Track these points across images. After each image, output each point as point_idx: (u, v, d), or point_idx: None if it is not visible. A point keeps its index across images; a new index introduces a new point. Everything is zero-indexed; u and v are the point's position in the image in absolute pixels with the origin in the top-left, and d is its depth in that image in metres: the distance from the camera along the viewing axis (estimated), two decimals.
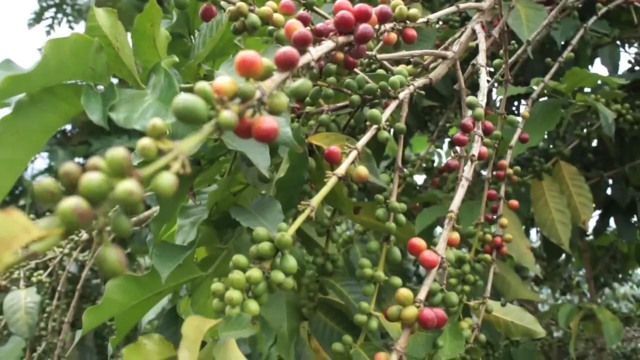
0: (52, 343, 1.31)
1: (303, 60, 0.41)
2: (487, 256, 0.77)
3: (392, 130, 0.67)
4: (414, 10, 0.60)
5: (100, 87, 0.55)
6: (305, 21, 0.55)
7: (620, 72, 1.45)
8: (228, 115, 0.30)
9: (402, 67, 0.69)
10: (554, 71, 1.02)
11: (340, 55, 0.58)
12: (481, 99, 0.65)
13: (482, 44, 0.73)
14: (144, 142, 0.28)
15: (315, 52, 0.42)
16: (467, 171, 0.61)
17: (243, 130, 0.33)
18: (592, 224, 1.60)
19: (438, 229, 1.42)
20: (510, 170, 0.86)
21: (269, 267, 0.46)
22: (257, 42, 0.80)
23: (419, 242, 0.54)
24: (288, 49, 0.36)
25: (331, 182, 0.51)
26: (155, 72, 0.54)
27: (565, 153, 1.26)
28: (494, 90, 1.25)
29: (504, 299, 0.94)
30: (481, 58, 0.70)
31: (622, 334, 1.40)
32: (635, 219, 1.50)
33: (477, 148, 0.63)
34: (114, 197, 0.25)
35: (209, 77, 0.64)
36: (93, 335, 1.73)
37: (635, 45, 1.46)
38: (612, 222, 1.59)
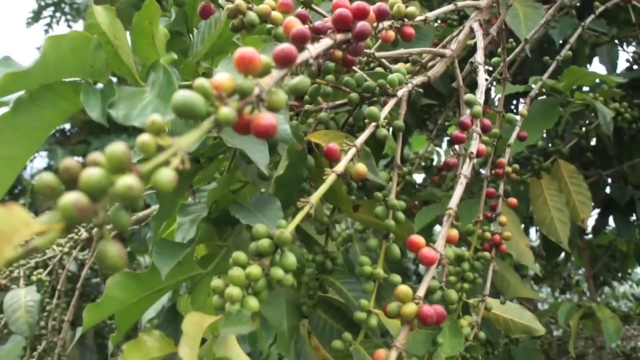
0: (52, 342, 1.31)
1: (301, 57, 0.41)
2: (486, 254, 0.78)
3: (390, 129, 0.67)
4: (411, 8, 0.60)
5: (100, 85, 0.55)
6: (303, 19, 0.56)
7: (618, 71, 1.46)
8: (227, 111, 0.30)
9: (400, 65, 0.69)
10: (552, 70, 1.02)
11: (338, 53, 0.58)
12: (479, 96, 0.66)
13: (480, 42, 0.73)
14: (144, 137, 0.28)
15: (313, 49, 0.43)
16: (466, 168, 0.61)
17: (242, 127, 0.33)
18: (591, 222, 1.60)
19: (437, 228, 1.43)
20: (509, 169, 0.86)
21: (268, 264, 0.46)
22: (256, 41, 0.80)
23: (418, 239, 0.54)
24: (286, 46, 0.37)
25: (330, 179, 0.52)
26: (154, 70, 0.54)
27: (564, 152, 1.26)
28: (493, 89, 1.26)
29: (504, 297, 0.94)
30: (479, 56, 0.71)
31: (622, 333, 1.40)
32: (634, 217, 1.51)
33: (475, 145, 0.63)
34: (114, 192, 0.25)
35: (207, 74, 0.64)
36: (93, 335, 1.73)
37: (634, 44, 1.46)
38: (611, 221, 1.59)
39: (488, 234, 0.80)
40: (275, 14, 0.60)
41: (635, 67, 1.46)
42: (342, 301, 0.71)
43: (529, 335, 1.68)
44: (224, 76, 0.32)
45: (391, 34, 0.59)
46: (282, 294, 0.71)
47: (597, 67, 2.87)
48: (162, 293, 0.60)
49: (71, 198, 0.24)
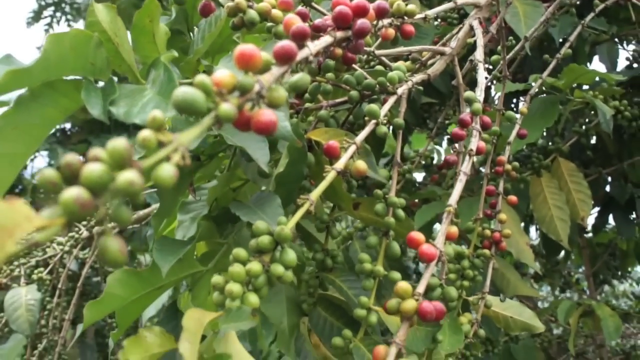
0: (52, 340, 1.32)
1: (301, 54, 0.41)
2: (486, 251, 0.78)
3: (390, 127, 0.67)
4: (411, 6, 0.60)
5: (101, 83, 0.55)
6: (303, 17, 0.56)
7: (618, 69, 1.46)
8: (227, 107, 0.31)
9: (400, 64, 0.69)
10: (552, 68, 1.02)
11: (338, 51, 0.58)
12: (479, 94, 0.66)
13: (480, 40, 0.73)
14: (145, 133, 0.28)
15: (313, 46, 0.43)
16: (465, 166, 0.61)
17: (242, 123, 0.33)
18: (591, 221, 1.60)
19: (437, 226, 1.43)
20: (508, 166, 0.86)
21: (268, 261, 0.46)
22: (257, 39, 0.80)
23: (418, 235, 0.54)
24: (286, 43, 0.37)
25: (330, 176, 0.52)
26: (154, 67, 0.54)
27: (564, 150, 1.26)
28: (492, 87, 1.26)
29: (503, 295, 0.94)
30: (479, 54, 0.71)
31: (621, 330, 1.41)
32: (634, 215, 1.51)
33: (475, 143, 0.63)
34: (115, 187, 0.25)
35: (208, 72, 0.64)
36: (94, 333, 1.73)
37: (634, 42, 1.46)
38: (611, 219, 1.59)
39: (488, 232, 0.80)
40: (276, 12, 0.60)
41: (635, 65, 1.46)
42: (343, 299, 0.71)
43: (529, 333, 1.68)
44: (224, 73, 0.32)
45: (391, 31, 0.59)
46: (282, 292, 0.71)
47: (597, 65, 2.87)
48: (162, 290, 0.60)
49: (72, 193, 0.24)
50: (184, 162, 0.28)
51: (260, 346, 1.35)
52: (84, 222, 1.41)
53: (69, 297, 1.39)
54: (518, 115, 0.91)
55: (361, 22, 0.50)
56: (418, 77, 0.68)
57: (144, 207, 1.48)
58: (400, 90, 0.65)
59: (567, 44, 1.05)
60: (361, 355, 0.59)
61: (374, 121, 0.60)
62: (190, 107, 0.29)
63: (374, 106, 0.60)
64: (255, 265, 0.45)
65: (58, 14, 3.35)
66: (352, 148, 0.56)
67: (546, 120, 1.12)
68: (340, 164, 0.53)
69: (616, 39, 1.44)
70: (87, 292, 1.54)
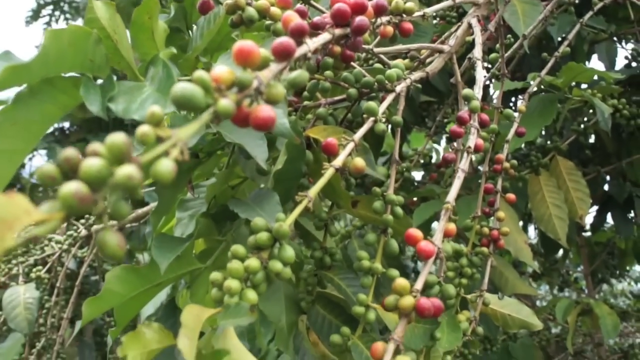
0: (51, 339, 1.32)
1: (300, 51, 0.41)
2: (485, 249, 0.78)
3: (389, 126, 0.67)
4: (410, 4, 0.60)
5: (99, 81, 0.55)
6: (302, 15, 0.56)
7: (617, 68, 1.46)
8: (226, 103, 0.31)
9: (398, 61, 0.70)
10: (551, 66, 1.02)
11: (337, 48, 0.58)
12: (477, 91, 0.66)
13: (478, 38, 0.73)
14: (143, 129, 0.28)
15: (312, 43, 0.43)
16: (464, 163, 0.61)
17: (241, 119, 0.34)
18: (589, 219, 1.61)
19: (435, 224, 1.43)
20: (507, 164, 0.86)
21: (267, 257, 0.46)
22: (256, 38, 0.81)
23: (416, 232, 0.54)
24: (285, 39, 0.37)
25: (328, 173, 0.52)
26: (153, 65, 0.55)
27: (563, 148, 1.26)
28: (491, 86, 1.26)
29: (502, 294, 0.94)
30: (477, 51, 0.71)
31: (619, 329, 1.41)
32: (632, 214, 1.51)
33: (473, 140, 0.63)
34: (114, 182, 0.25)
35: (206, 70, 0.64)
36: (92, 333, 1.74)
37: (632, 41, 1.47)
38: (609, 218, 1.60)
39: (486, 230, 0.80)
40: (274, 10, 0.60)
41: (633, 64, 1.46)
42: (341, 297, 0.71)
43: (528, 332, 1.69)
44: (223, 69, 0.32)
45: (389, 29, 0.59)
46: (280, 290, 0.71)
47: (595, 64, 2.87)
48: (161, 287, 0.60)
49: (71, 187, 0.24)
50: (183, 157, 0.28)
51: (259, 344, 1.35)
52: (82, 221, 1.42)
53: (68, 295, 1.39)
54: (516, 114, 0.91)
55: (359, 19, 0.50)
56: (416, 75, 0.69)
57: (143, 205, 1.48)
58: (398, 88, 0.65)
59: (566, 43, 1.05)
60: (359, 352, 0.59)
61: (372, 118, 0.60)
62: (189, 102, 0.29)
63: (372, 104, 0.60)
64: (253, 262, 0.45)
65: (57, 13, 3.35)
66: (351, 145, 0.56)
67: (545, 119, 1.12)
68: (338, 161, 0.53)
69: (615, 38, 1.44)
70: (86, 290, 1.54)
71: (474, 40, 0.76)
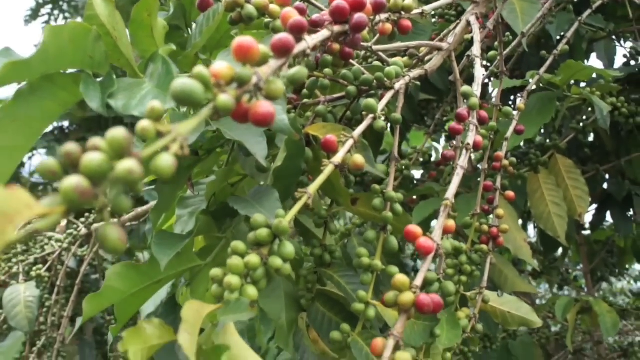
0: (51, 337, 1.32)
1: (299, 47, 0.41)
2: (484, 246, 0.78)
3: (388, 124, 0.68)
4: (408, 2, 0.60)
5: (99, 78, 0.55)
6: (301, 12, 0.56)
7: (615, 66, 1.46)
8: (225, 98, 0.31)
9: (397, 59, 0.70)
10: (549, 64, 1.02)
11: (336, 46, 0.58)
12: (476, 89, 0.66)
13: (477, 35, 0.74)
14: (143, 123, 0.28)
15: (311, 40, 0.43)
16: (463, 160, 0.62)
17: (240, 115, 0.34)
18: (588, 218, 1.61)
19: (435, 222, 1.42)
20: (506, 162, 0.86)
21: (267, 253, 0.46)
22: (255, 36, 0.81)
23: (415, 228, 0.54)
24: (284, 36, 0.37)
25: (328, 169, 0.52)
26: (152, 61, 0.55)
27: (562, 146, 1.26)
28: (490, 84, 1.26)
29: (501, 291, 0.94)
30: (476, 49, 0.71)
31: (619, 327, 1.41)
32: (631, 213, 1.51)
33: (472, 137, 0.63)
34: (115, 176, 0.25)
35: (206, 67, 0.64)
36: (92, 332, 1.74)
37: (631, 39, 1.47)
38: (608, 217, 1.60)
39: (485, 227, 0.80)
40: (273, 7, 0.60)
41: (632, 62, 1.47)
42: (341, 294, 0.71)
43: (527, 330, 1.69)
44: (222, 64, 0.32)
45: (388, 26, 0.59)
46: (280, 288, 0.72)
47: (594, 62, 2.87)
48: (161, 284, 0.60)
49: (72, 181, 0.24)
50: (183, 152, 0.28)
51: (259, 343, 1.36)
52: (83, 220, 1.42)
53: (68, 294, 1.39)
54: (515, 112, 0.91)
55: (358, 16, 0.51)
56: (415, 72, 0.69)
57: (142, 204, 1.48)
58: (397, 85, 0.65)
59: (564, 41, 1.06)
60: (359, 349, 0.59)
61: (371, 116, 0.60)
62: (189, 97, 0.29)
63: (371, 100, 0.60)
64: (253, 258, 0.45)
65: (56, 12, 3.35)
66: (350, 142, 0.56)
67: (543, 117, 1.12)
68: (337, 158, 0.53)
69: (613, 36, 1.45)
70: (86, 289, 1.54)
71: (472, 38, 0.76)
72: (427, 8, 0.67)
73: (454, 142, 0.72)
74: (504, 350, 1.53)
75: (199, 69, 0.30)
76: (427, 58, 0.77)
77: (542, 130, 1.53)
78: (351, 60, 0.65)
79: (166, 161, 0.27)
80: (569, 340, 1.42)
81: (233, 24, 0.60)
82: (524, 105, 0.93)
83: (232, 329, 0.43)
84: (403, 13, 0.60)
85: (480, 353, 1.41)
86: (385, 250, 0.63)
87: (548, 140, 1.31)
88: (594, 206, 1.59)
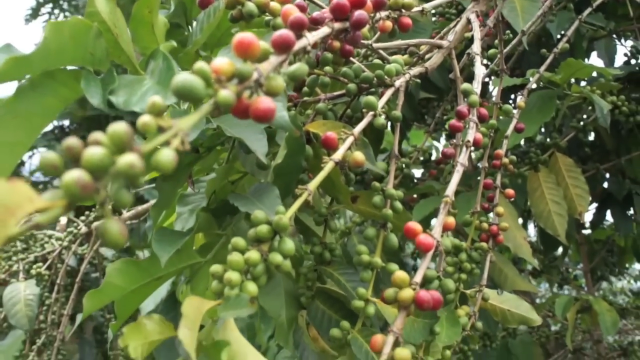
0: (51, 336, 1.32)
1: (299, 44, 0.41)
2: (484, 244, 0.78)
3: (389, 122, 0.68)
4: None
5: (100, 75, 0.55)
6: (301, 9, 0.56)
7: (616, 65, 1.46)
8: (226, 94, 0.31)
9: (398, 57, 0.70)
10: (549, 62, 1.02)
11: (336, 43, 0.58)
12: (476, 86, 0.66)
13: (477, 33, 0.74)
14: (144, 118, 0.28)
15: (311, 36, 0.43)
16: (462, 157, 0.62)
17: (240, 111, 0.34)
18: (588, 217, 1.61)
19: (435, 221, 1.43)
20: (506, 160, 0.86)
21: (267, 250, 0.46)
22: (256, 33, 0.81)
23: (415, 225, 0.55)
24: (284, 32, 0.37)
25: (328, 166, 0.52)
26: (153, 58, 0.55)
27: (562, 145, 1.26)
28: (490, 82, 1.26)
29: (501, 290, 0.95)
30: (476, 47, 0.71)
31: (619, 326, 1.41)
32: (632, 212, 1.51)
33: (472, 134, 0.63)
34: (116, 170, 0.25)
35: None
36: (92, 330, 1.74)
37: (631, 38, 1.47)
38: (609, 216, 1.60)
39: (485, 225, 0.80)
40: (274, 5, 0.60)
41: (632, 61, 1.47)
42: (341, 292, 0.71)
43: (527, 329, 1.69)
44: (223, 60, 0.32)
45: (388, 24, 0.59)
46: (280, 285, 0.72)
47: (595, 61, 2.87)
48: (161, 281, 0.60)
49: (74, 175, 0.24)
50: (184, 147, 0.29)
51: (259, 341, 1.36)
52: (83, 218, 1.42)
53: (68, 292, 1.39)
54: (515, 110, 0.91)
55: (359, 13, 0.51)
56: (415, 70, 0.69)
57: (142, 203, 1.48)
58: (397, 83, 0.65)
59: (565, 39, 1.06)
60: (359, 346, 0.59)
61: (371, 113, 0.60)
62: (190, 93, 0.29)
63: (371, 98, 0.60)
64: (253, 254, 0.45)
65: (56, 11, 3.35)
66: (350, 139, 0.56)
67: (544, 115, 1.12)
68: (338, 155, 0.53)
69: (614, 35, 1.45)
70: (86, 287, 1.54)
71: (472, 36, 0.76)
72: (428, 6, 0.67)
73: (454, 140, 0.72)
74: (503, 349, 1.53)
75: (200, 64, 0.31)
76: (427, 56, 0.78)
77: (543, 129, 1.53)
78: (351, 58, 0.65)
79: (167, 156, 0.27)
80: (568, 339, 1.42)
81: (234, 21, 0.60)
82: (524, 104, 0.93)
83: (232, 325, 0.43)
84: (403, 11, 0.60)
85: (480, 351, 1.41)
86: (385, 248, 0.63)
87: (548, 139, 1.31)
88: (594, 205, 1.59)
